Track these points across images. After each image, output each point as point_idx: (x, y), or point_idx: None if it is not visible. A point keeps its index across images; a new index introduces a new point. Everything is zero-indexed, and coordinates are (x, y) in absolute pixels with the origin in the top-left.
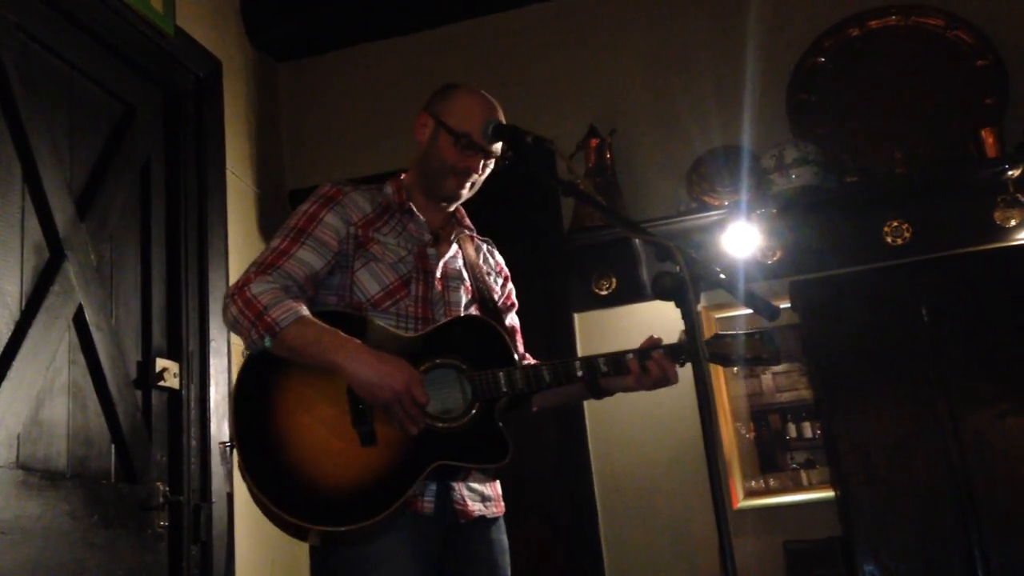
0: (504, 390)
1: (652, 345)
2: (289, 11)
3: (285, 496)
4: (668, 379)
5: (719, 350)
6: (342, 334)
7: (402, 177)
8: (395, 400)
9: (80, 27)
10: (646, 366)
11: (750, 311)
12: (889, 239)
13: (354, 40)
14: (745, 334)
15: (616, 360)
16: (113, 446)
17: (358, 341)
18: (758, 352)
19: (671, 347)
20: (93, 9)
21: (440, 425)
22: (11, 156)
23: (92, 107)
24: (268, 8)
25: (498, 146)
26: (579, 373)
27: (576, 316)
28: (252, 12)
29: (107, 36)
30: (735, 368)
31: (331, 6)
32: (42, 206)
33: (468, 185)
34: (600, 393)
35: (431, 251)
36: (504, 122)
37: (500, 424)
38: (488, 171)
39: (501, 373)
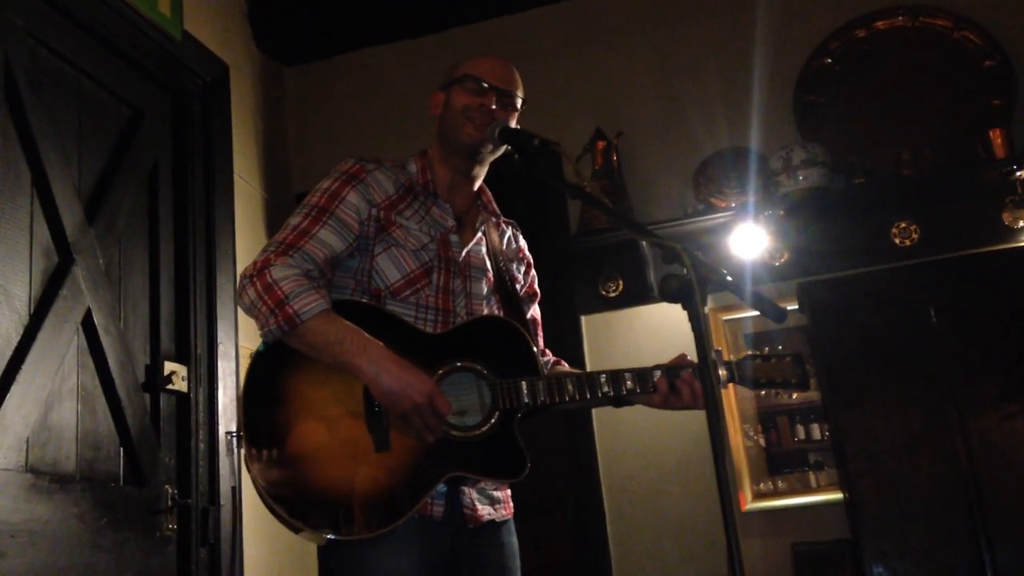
0: (526, 401)
1: (681, 364)
2: (296, 15)
3: (294, 499)
4: (698, 402)
5: (745, 372)
6: (365, 335)
7: (428, 155)
8: (414, 411)
9: (88, 32)
10: (676, 386)
11: (757, 313)
12: (897, 240)
13: (361, 44)
14: (775, 355)
15: (642, 376)
16: (121, 449)
17: (381, 345)
18: (787, 375)
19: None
20: (101, 14)
21: (456, 434)
22: (20, 160)
23: (100, 111)
24: (275, 12)
25: (518, 86)
26: (605, 388)
27: (583, 318)
28: (259, 16)
29: (115, 40)
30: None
31: (338, 10)
32: (51, 210)
33: (486, 131)
34: (621, 403)
35: (454, 238)
36: (515, 78)
37: (519, 436)
38: (513, 118)
39: (524, 383)
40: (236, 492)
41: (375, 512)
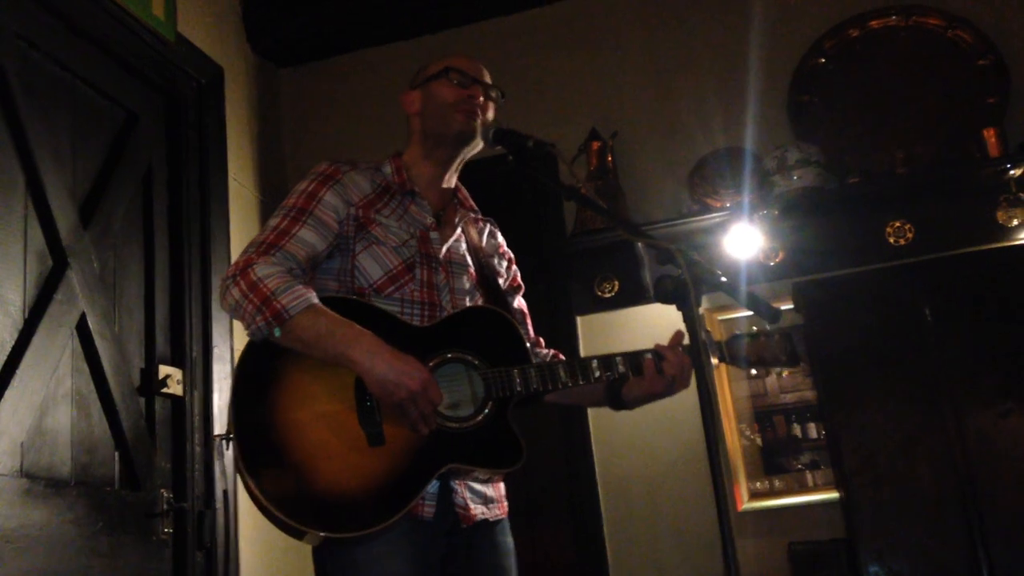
0: (519, 389)
1: (673, 343)
2: (290, 16)
3: (287, 498)
4: (684, 378)
5: (736, 351)
6: (357, 326)
7: (402, 157)
8: (410, 400)
9: (82, 35)
10: (661, 367)
11: (752, 313)
12: (892, 239)
13: (356, 45)
14: (764, 334)
15: (634, 359)
16: (117, 453)
17: (373, 335)
18: (776, 353)
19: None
20: (94, 16)
21: (452, 425)
22: (14, 164)
23: (94, 114)
24: (269, 14)
25: (487, 76)
26: (596, 373)
27: (579, 319)
28: (253, 18)
29: (109, 43)
30: (751, 370)
31: (333, 11)
32: (45, 214)
33: (477, 120)
34: (620, 405)
35: (434, 235)
36: (483, 69)
37: (513, 425)
38: (492, 111)
39: (516, 371)
40: (227, 496)
41: (373, 508)
